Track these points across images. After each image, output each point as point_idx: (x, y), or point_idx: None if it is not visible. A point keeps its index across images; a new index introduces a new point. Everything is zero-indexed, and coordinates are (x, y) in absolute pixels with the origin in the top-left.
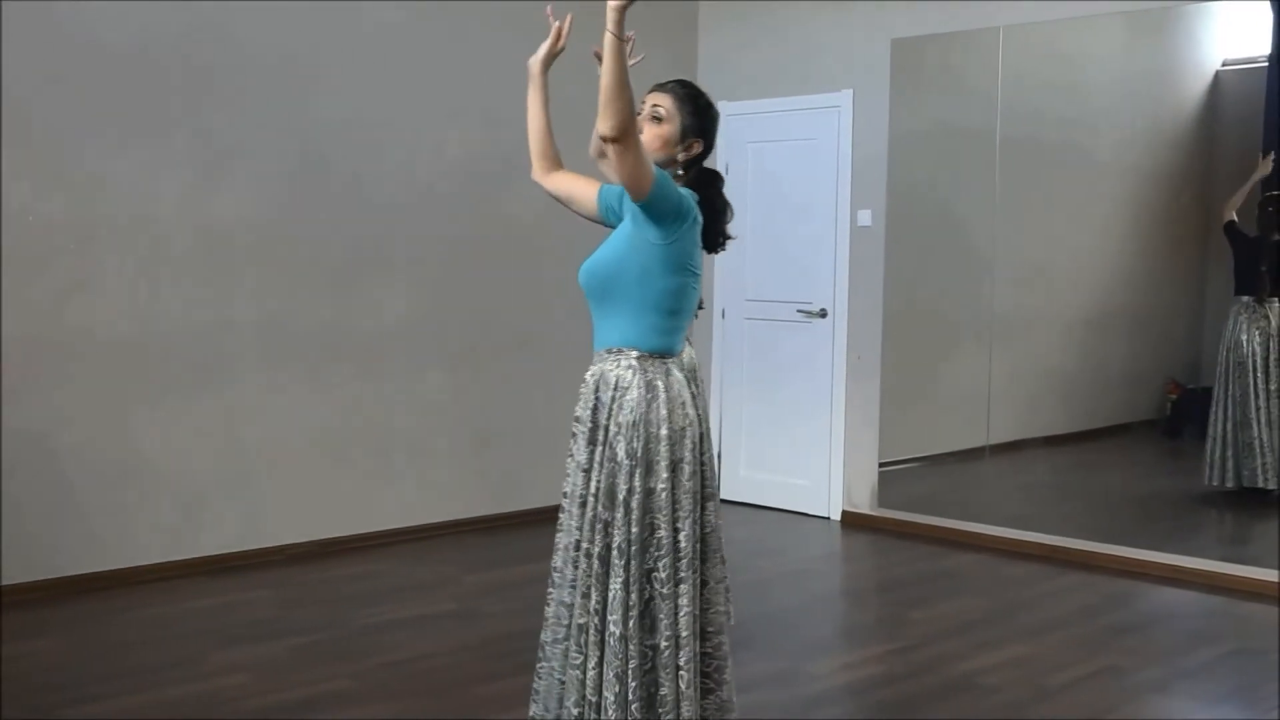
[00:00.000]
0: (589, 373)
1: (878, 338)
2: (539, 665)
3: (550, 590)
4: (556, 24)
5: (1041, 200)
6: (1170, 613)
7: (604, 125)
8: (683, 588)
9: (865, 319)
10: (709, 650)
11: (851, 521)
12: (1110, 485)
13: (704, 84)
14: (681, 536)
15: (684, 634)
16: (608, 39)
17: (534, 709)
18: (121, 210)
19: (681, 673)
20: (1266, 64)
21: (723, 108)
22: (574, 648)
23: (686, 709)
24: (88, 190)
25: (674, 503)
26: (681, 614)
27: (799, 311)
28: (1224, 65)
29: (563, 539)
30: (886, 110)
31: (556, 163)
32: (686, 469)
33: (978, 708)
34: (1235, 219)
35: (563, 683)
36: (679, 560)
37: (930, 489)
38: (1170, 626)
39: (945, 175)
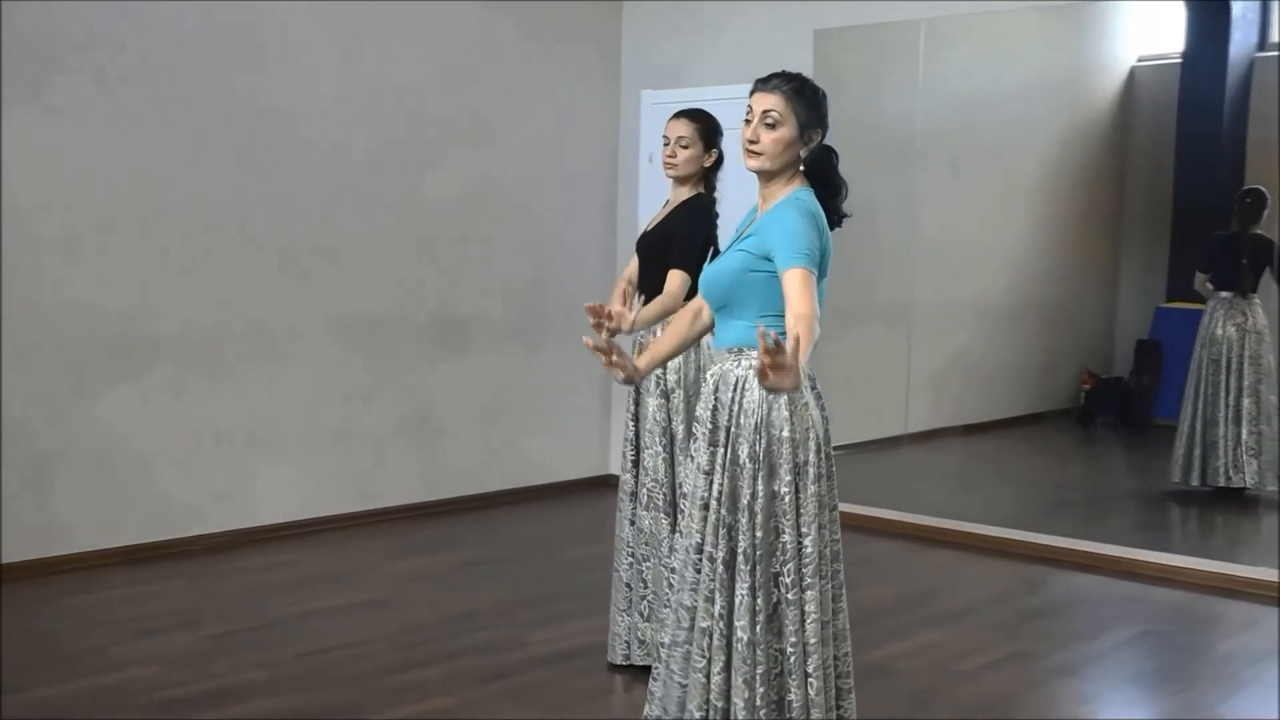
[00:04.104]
0: (710, 372)
1: None
2: (655, 667)
3: (668, 593)
4: (614, 357)
5: (960, 192)
6: (1081, 597)
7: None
8: (809, 594)
9: None
10: (840, 654)
11: None
12: (1025, 473)
13: (626, 73)
14: (807, 542)
15: (811, 641)
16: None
17: (650, 709)
18: (47, 196)
19: (810, 679)
20: (1180, 60)
21: (646, 97)
22: (697, 652)
23: (816, 714)
24: (11, 172)
25: (798, 507)
26: (809, 620)
27: None
28: (1139, 61)
29: (682, 541)
30: None
31: (697, 313)
32: (811, 472)
33: (889, 693)
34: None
35: (684, 686)
36: (804, 566)
37: (849, 477)
38: (1081, 611)
39: (866, 167)
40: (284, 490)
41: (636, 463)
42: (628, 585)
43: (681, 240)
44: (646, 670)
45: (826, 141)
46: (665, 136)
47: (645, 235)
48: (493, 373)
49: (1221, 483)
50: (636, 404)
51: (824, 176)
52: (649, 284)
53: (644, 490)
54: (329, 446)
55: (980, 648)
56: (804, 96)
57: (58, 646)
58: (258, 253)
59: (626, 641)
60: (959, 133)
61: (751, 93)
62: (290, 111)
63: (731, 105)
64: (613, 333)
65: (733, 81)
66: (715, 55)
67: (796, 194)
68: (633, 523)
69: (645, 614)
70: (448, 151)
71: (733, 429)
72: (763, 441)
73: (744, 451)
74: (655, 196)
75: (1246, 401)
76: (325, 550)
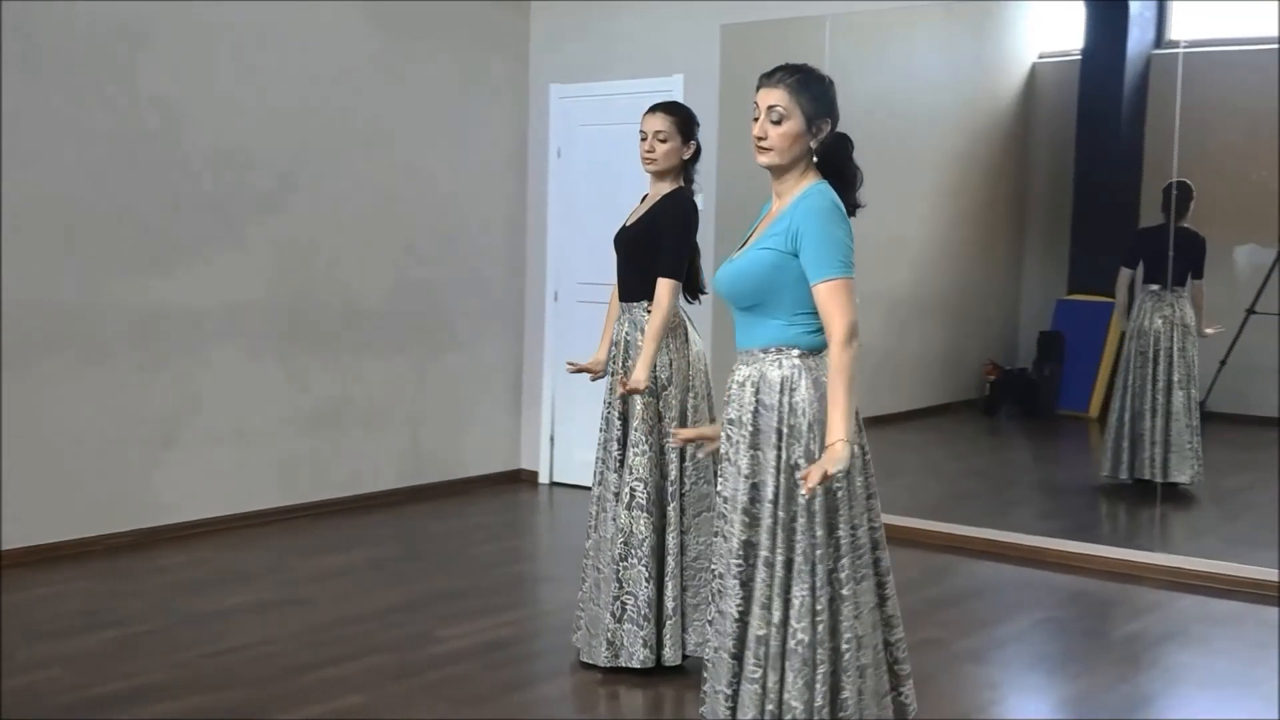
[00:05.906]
0: (741, 374)
1: (709, 321)
2: (705, 676)
3: (713, 601)
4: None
5: (865, 188)
6: (987, 585)
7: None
8: (864, 585)
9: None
10: (893, 640)
11: None
12: (931, 463)
13: (535, 66)
14: (860, 532)
15: (865, 633)
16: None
17: (704, 710)
18: None
19: (867, 671)
20: (1080, 58)
21: (555, 91)
22: (752, 660)
23: (869, 708)
24: None
25: (850, 501)
26: (865, 610)
27: None
28: (1040, 58)
29: (722, 544)
30: (716, 96)
31: None
32: (857, 463)
33: None
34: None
35: (730, 695)
36: (859, 558)
37: None
38: (987, 598)
39: None
40: (192, 488)
41: (623, 461)
42: (617, 584)
43: (669, 243)
44: (616, 670)
45: (840, 129)
46: (642, 131)
47: (625, 230)
48: (403, 369)
49: (1148, 475)
50: (625, 402)
51: (837, 167)
52: (630, 283)
53: (626, 489)
54: (238, 444)
55: None
56: (808, 88)
57: None
58: (167, 249)
59: (609, 641)
60: (863, 128)
61: (756, 89)
62: (200, 109)
63: (640, 99)
64: (630, 391)
65: (642, 75)
66: (624, 50)
67: (816, 188)
68: (615, 521)
69: (618, 615)
70: (357, 148)
71: (783, 430)
72: (817, 440)
73: (799, 452)
74: (565, 192)
75: (1178, 395)
76: (234, 548)
